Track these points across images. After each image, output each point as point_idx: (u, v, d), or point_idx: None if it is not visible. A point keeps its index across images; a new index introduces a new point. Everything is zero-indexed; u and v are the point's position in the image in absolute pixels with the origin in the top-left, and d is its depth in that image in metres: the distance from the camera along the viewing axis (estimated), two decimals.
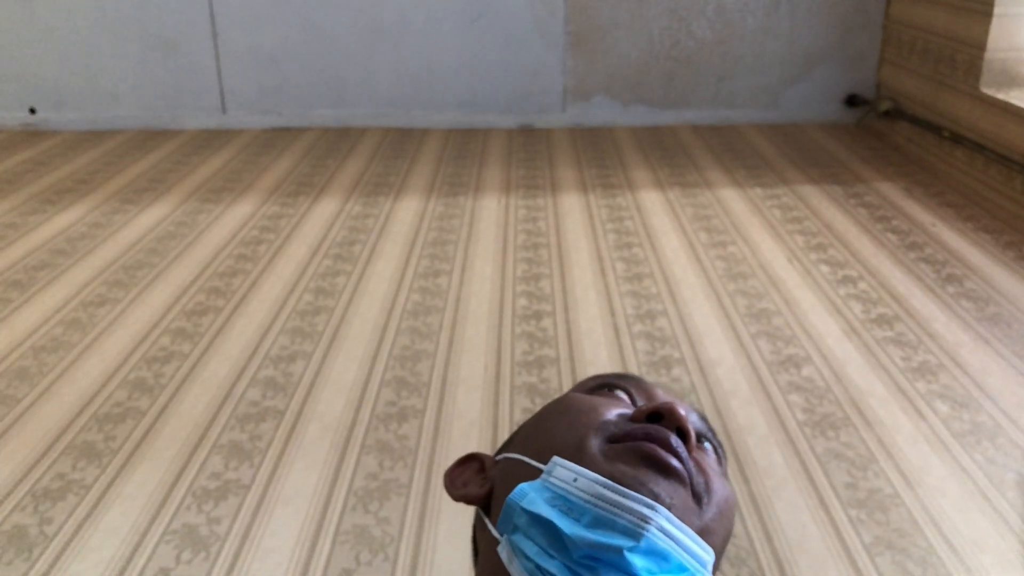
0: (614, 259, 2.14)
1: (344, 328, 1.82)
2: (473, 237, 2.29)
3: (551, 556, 0.60)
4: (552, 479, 0.65)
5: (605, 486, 0.62)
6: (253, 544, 1.22)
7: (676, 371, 1.64)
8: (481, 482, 0.76)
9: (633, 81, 3.35)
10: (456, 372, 1.65)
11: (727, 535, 0.70)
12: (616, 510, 0.60)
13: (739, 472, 1.36)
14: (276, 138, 3.24)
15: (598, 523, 0.60)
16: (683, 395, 1.56)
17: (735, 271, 2.07)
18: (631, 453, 0.66)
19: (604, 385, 0.82)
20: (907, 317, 1.84)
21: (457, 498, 0.76)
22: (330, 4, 3.24)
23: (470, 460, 0.81)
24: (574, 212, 2.46)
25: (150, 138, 3.24)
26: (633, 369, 1.65)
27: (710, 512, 0.67)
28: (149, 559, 1.19)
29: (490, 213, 2.46)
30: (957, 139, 2.67)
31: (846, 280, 2.01)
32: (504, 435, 1.45)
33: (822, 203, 2.50)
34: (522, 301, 1.93)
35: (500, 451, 0.80)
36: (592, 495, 0.62)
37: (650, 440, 0.67)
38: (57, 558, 1.19)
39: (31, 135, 3.28)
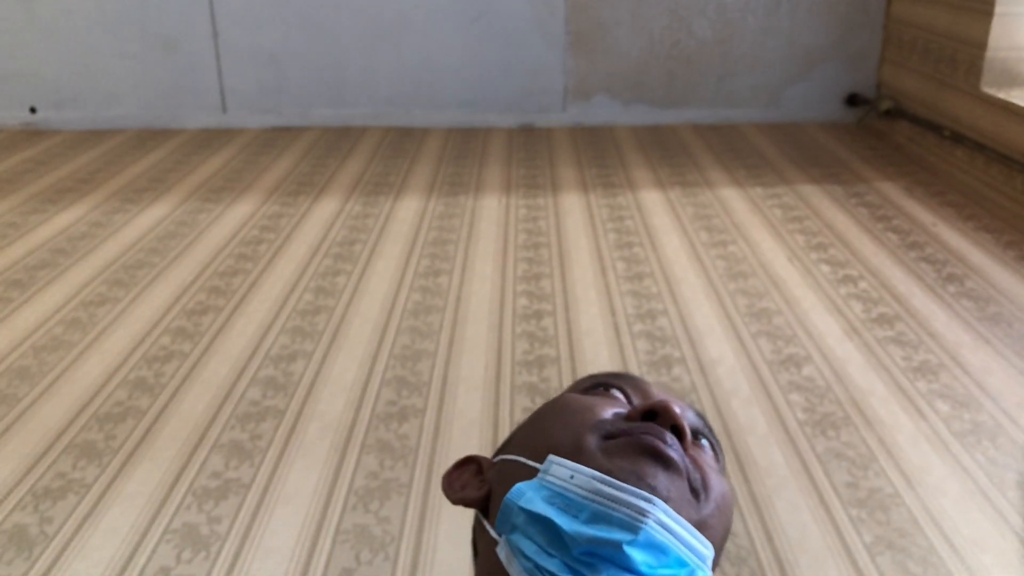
0: (614, 258, 2.14)
1: (344, 327, 1.82)
2: (473, 237, 2.29)
3: (550, 555, 0.60)
4: (549, 477, 0.65)
5: (602, 481, 0.62)
6: (253, 543, 1.22)
7: (676, 370, 1.64)
8: (479, 484, 0.76)
9: (634, 80, 3.35)
10: (456, 371, 1.65)
11: (726, 532, 0.70)
12: (613, 504, 0.61)
13: (740, 472, 1.36)
14: (276, 137, 3.24)
15: (596, 518, 0.60)
16: (683, 395, 1.56)
17: (735, 270, 2.07)
18: (629, 447, 0.66)
19: (600, 385, 0.82)
20: (908, 317, 1.84)
21: (455, 501, 0.76)
22: (330, 3, 3.24)
23: (468, 463, 0.81)
24: (575, 211, 2.46)
25: (150, 137, 3.24)
26: (634, 368, 1.65)
27: (708, 508, 0.67)
28: (149, 558, 1.19)
29: (490, 212, 2.46)
30: (958, 138, 2.67)
31: (847, 279, 2.01)
32: (504, 434, 1.45)
33: (823, 202, 2.50)
34: (522, 300, 1.93)
35: (498, 453, 0.80)
36: (589, 491, 0.62)
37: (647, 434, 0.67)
38: (57, 557, 1.19)
39: (32, 134, 3.28)
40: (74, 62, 3.29)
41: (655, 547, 0.59)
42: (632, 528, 0.59)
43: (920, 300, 1.91)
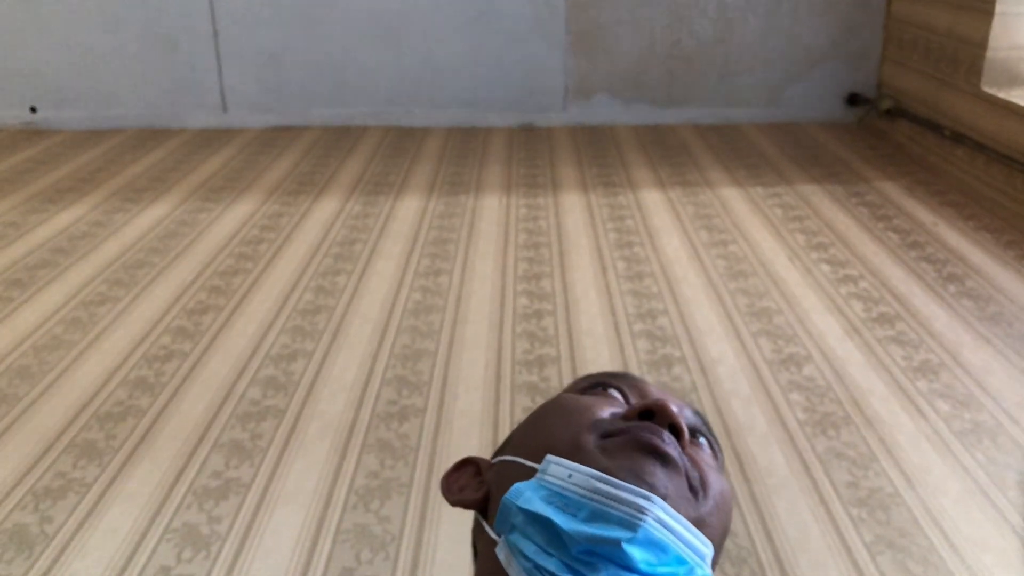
0: (615, 258, 2.14)
1: (345, 327, 1.82)
2: (474, 236, 2.29)
3: (549, 554, 0.60)
4: (547, 477, 0.65)
5: (600, 479, 0.62)
6: (254, 543, 1.22)
7: (677, 370, 1.64)
8: (477, 486, 0.76)
9: (634, 80, 3.35)
10: (457, 371, 1.65)
11: (725, 530, 0.70)
12: (612, 502, 0.60)
13: (740, 471, 1.36)
14: (277, 137, 3.24)
15: (595, 517, 0.60)
16: (684, 394, 1.56)
17: (736, 270, 2.07)
18: (627, 445, 0.66)
19: (597, 384, 0.82)
20: (908, 316, 1.84)
21: (454, 503, 0.76)
22: (331, 3, 3.24)
23: (466, 464, 0.81)
24: (575, 211, 2.46)
25: (151, 137, 3.24)
26: (634, 368, 1.65)
27: (706, 505, 0.67)
28: (150, 558, 1.19)
29: (491, 212, 2.46)
30: (958, 138, 2.67)
31: (847, 279, 2.01)
32: (505, 434, 1.45)
33: (823, 202, 2.50)
34: (523, 300, 1.93)
35: (496, 454, 0.80)
36: (587, 489, 0.62)
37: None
38: (58, 557, 1.19)
39: (32, 134, 3.28)
40: (75, 62, 3.29)
41: (654, 545, 0.59)
42: (631, 526, 0.59)
43: (920, 300, 1.91)
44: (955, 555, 1.18)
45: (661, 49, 3.30)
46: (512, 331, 1.79)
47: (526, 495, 0.63)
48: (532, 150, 3.07)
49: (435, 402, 1.55)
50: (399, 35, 3.28)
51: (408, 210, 2.48)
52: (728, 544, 1.20)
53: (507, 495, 0.64)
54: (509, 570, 0.62)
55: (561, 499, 0.62)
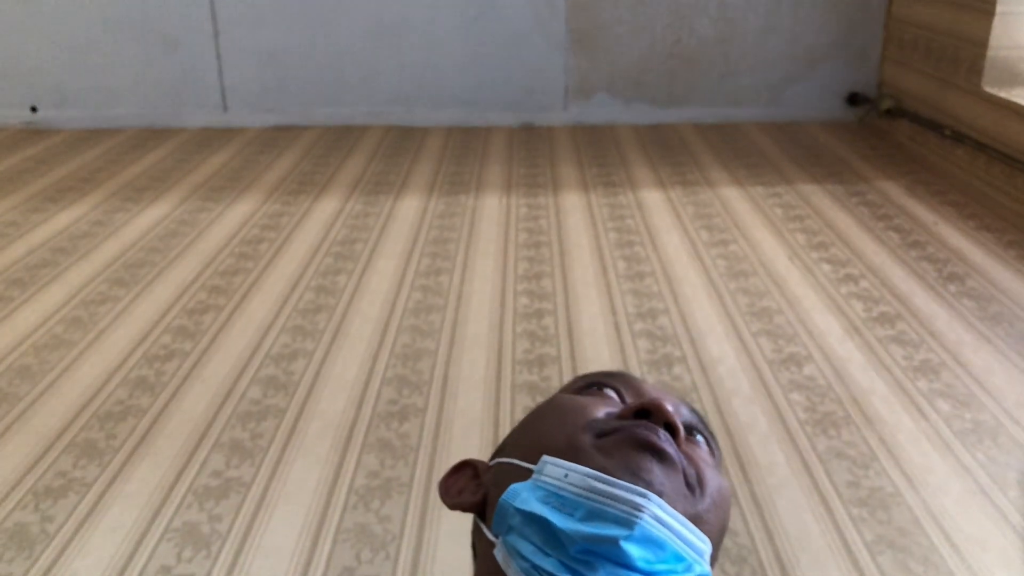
0: (615, 257, 2.14)
1: (345, 326, 1.82)
2: (474, 235, 2.29)
3: (547, 554, 0.60)
4: (544, 477, 0.65)
5: (596, 478, 0.62)
6: (254, 542, 1.22)
7: (677, 369, 1.64)
8: (475, 488, 0.76)
9: (635, 79, 3.35)
10: (457, 370, 1.64)
11: (723, 527, 0.70)
12: (608, 501, 0.60)
13: (740, 471, 1.36)
14: (277, 136, 3.24)
15: (592, 516, 0.60)
16: (684, 394, 1.56)
17: (736, 269, 2.07)
18: (623, 443, 0.66)
19: (593, 384, 0.82)
20: (909, 316, 1.84)
21: (452, 506, 0.76)
22: (331, 2, 3.24)
23: (464, 467, 0.81)
24: (575, 211, 2.46)
25: (151, 136, 3.24)
26: (634, 367, 1.65)
27: (704, 502, 0.67)
28: (150, 557, 1.19)
29: (491, 212, 2.46)
30: (959, 137, 2.67)
31: (847, 279, 2.01)
32: (505, 433, 1.45)
33: (824, 201, 2.50)
34: (523, 299, 1.93)
35: (493, 456, 0.80)
36: (584, 488, 0.62)
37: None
38: (58, 556, 1.19)
39: (33, 133, 3.28)
40: (75, 61, 3.29)
41: (652, 542, 0.59)
42: (627, 524, 0.59)
43: (921, 299, 1.90)
44: (956, 554, 1.18)
45: (661, 48, 3.30)
46: (512, 330, 1.79)
47: (523, 496, 0.63)
48: (532, 150, 3.07)
49: (435, 401, 1.55)
50: (400, 34, 3.28)
51: (408, 209, 2.48)
52: (728, 543, 1.20)
53: (504, 496, 0.64)
54: (507, 571, 0.62)
55: (558, 499, 0.62)
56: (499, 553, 0.63)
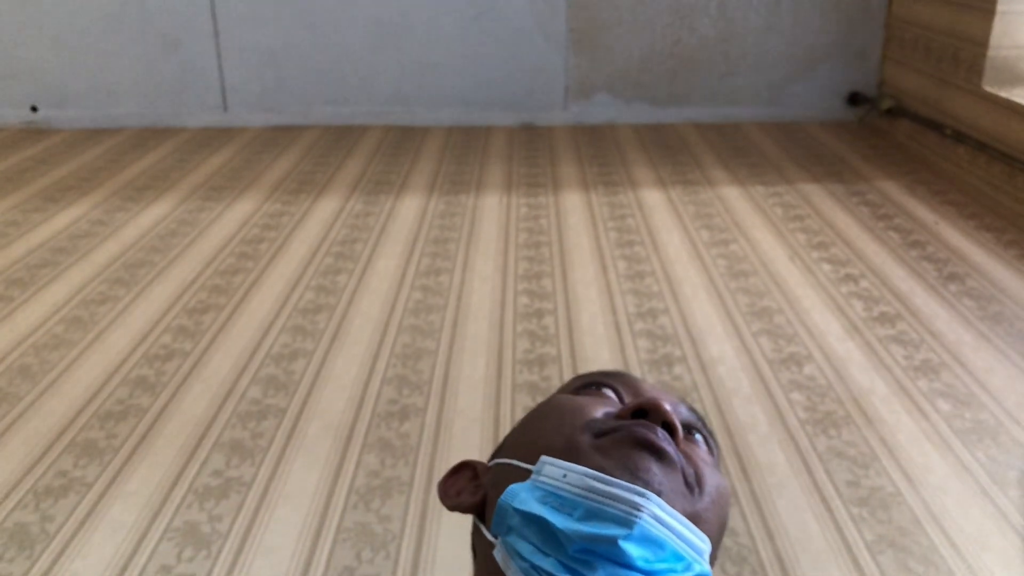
0: (615, 257, 2.14)
1: (345, 326, 1.82)
2: (474, 235, 2.29)
3: (546, 554, 0.60)
4: (542, 478, 0.65)
5: (595, 478, 0.62)
6: (254, 542, 1.22)
7: (677, 369, 1.64)
8: (474, 489, 0.76)
9: (635, 79, 3.35)
10: (457, 370, 1.65)
11: (722, 526, 0.70)
12: (607, 500, 0.60)
13: (741, 470, 1.36)
14: (277, 136, 3.24)
15: (590, 515, 0.60)
16: (685, 393, 1.56)
17: (737, 269, 2.07)
18: (621, 442, 0.66)
19: (591, 384, 0.82)
20: (909, 315, 1.84)
21: (452, 508, 0.76)
22: (331, 2, 3.24)
23: (462, 468, 0.81)
24: (576, 210, 2.46)
25: (152, 136, 3.24)
26: (635, 367, 1.65)
27: (703, 501, 0.67)
28: (150, 557, 1.19)
29: (491, 211, 2.46)
30: (959, 137, 2.67)
31: (848, 278, 2.01)
32: (505, 433, 1.45)
33: (824, 201, 2.50)
34: (523, 299, 1.93)
35: (492, 457, 0.80)
36: (583, 488, 0.62)
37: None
38: (59, 556, 1.19)
39: (33, 133, 3.29)
40: (75, 61, 3.29)
41: (651, 541, 0.59)
42: (626, 523, 0.59)
43: (921, 299, 1.90)
44: (956, 554, 1.18)
45: (662, 48, 3.30)
46: (513, 330, 1.79)
47: (521, 496, 0.63)
48: (533, 149, 3.07)
49: (436, 401, 1.55)
50: (400, 34, 3.28)
51: (409, 209, 2.48)
52: (728, 543, 1.20)
53: (502, 497, 0.64)
54: (507, 571, 0.62)
55: (556, 499, 0.62)
56: (498, 553, 0.63)
